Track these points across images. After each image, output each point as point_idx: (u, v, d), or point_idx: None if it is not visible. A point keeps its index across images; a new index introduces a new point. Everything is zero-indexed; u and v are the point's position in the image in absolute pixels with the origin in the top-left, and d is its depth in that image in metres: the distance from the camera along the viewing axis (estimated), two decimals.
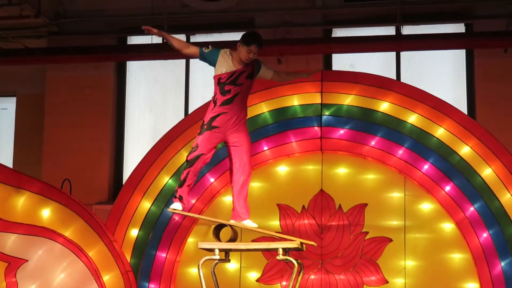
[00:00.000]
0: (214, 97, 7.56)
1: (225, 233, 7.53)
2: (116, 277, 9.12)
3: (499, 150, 9.37)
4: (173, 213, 7.86)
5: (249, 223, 7.56)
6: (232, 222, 7.55)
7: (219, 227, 7.56)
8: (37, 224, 8.98)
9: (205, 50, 7.68)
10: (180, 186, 7.57)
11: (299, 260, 7.29)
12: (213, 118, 7.50)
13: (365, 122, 9.68)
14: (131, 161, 12.34)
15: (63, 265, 8.98)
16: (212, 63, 7.65)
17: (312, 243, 7.62)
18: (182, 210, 7.56)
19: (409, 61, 12.22)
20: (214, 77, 7.59)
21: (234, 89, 7.48)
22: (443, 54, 12.13)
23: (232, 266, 9.67)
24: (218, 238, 7.49)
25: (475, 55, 11.95)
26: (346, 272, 9.59)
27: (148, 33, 7.84)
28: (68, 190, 10.70)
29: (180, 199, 7.53)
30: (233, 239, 7.48)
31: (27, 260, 8.88)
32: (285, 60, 11.44)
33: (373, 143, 9.66)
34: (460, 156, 9.41)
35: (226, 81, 7.50)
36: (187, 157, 7.58)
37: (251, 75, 7.56)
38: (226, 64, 7.57)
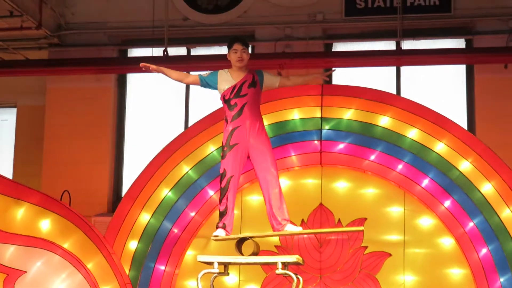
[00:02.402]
0: (225, 116, 7.60)
1: (247, 247, 7.54)
2: None
3: (499, 165, 9.37)
4: (216, 240, 7.82)
5: (292, 228, 7.54)
6: (275, 232, 7.57)
7: (241, 241, 7.57)
8: (36, 235, 8.97)
9: (204, 75, 7.75)
10: (223, 215, 7.58)
11: (298, 274, 7.28)
12: (229, 137, 7.54)
13: (365, 136, 9.68)
14: (130, 173, 12.34)
15: (62, 277, 8.96)
16: (213, 86, 7.72)
17: (361, 228, 7.64)
18: (226, 235, 7.58)
19: (409, 76, 12.25)
20: (220, 98, 7.64)
21: (240, 101, 7.52)
22: (443, 69, 12.15)
23: (231, 279, 9.65)
24: (240, 252, 7.51)
25: (475, 71, 11.98)
26: (345, 287, 9.57)
27: (146, 70, 7.90)
28: (67, 202, 10.70)
29: (224, 227, 7.56)
30: (255, 253, 7.49)
31: (26, 272, 8.86)
32: (285, 73, 11.46)
33: (372, 157, 9.66)
34: (460, 171, 9.41)
35: (230, 96, 7.56)
36: (220, 185, 7.60)
37: (254, 83, 7.58)
38: (226, 80, 7.64)
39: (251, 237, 7.57)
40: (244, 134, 7.52)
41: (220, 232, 7.60)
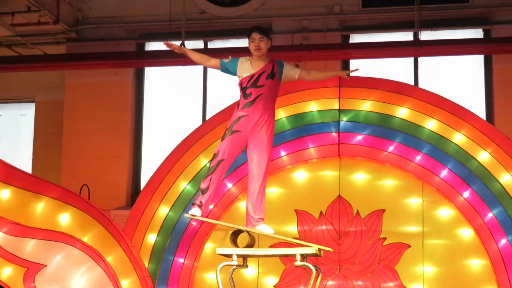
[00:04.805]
0: (238, 101, 7.62)
1: (242, 238, 7.53)
2: (134, 283, 9.14)
3: None
4: (191, 218, 7.86)
5: (264, 228, 7.53)
6: (248, 228, 7.55)
7: (236, 233, 7.57)
8: (56, 229, 9.01)
9: (225, 61, 7.76)
10: (202, 193, 7.55)
11: (317, 266, 7.28)
12: (234, 122, 7.54)
13: (383, 127, 9.66)
14: (149, 167, 12.37)
15: (82, 271, 9.00)
16: (233, 72, 7.72)
17: (329, 249, 7.61)
18: (201, 216, 7.56)
19: (427, 67, 12.20)
20: (238, 84, 7.65)
21: (255, 91, 7.52)
22: (461, 59, 12.10)
23: (250, 271, 9.67)
24: (235, 244, 7.50)
25: (493, 61, 11.92)
26: (364, 278, 9.57)
27: (169, 48, 7.88)
28: (86, 196, 10.76)
29: (200, 205, 7.53)
30: (250, 245, 7.48)
31: (46, 265, 8.91)
32: (302, 66, 11.45)
33: (391, 149, 9.63)
34: (479, 162, 9.37)
35: (247, 85, 7.57)
36: (210, 164, 7.60)
37: (272, 75, 7.58)
38: (245, 68, 7.64)
39: (246, 230, 7.53)
40: (249, 124, 7.50)
41: (196, 211, 7.52)
